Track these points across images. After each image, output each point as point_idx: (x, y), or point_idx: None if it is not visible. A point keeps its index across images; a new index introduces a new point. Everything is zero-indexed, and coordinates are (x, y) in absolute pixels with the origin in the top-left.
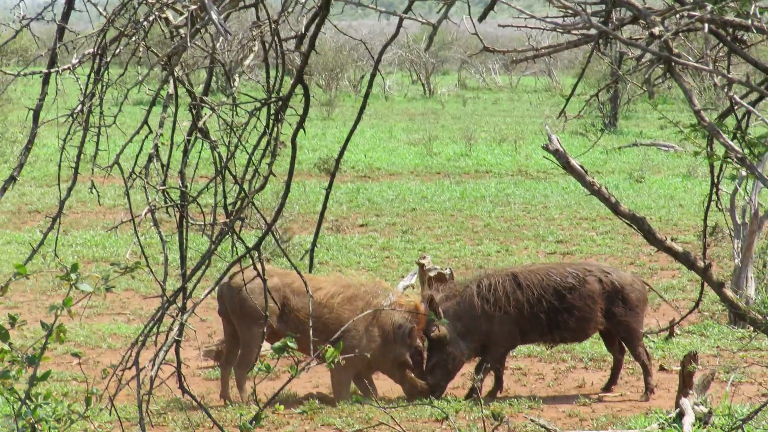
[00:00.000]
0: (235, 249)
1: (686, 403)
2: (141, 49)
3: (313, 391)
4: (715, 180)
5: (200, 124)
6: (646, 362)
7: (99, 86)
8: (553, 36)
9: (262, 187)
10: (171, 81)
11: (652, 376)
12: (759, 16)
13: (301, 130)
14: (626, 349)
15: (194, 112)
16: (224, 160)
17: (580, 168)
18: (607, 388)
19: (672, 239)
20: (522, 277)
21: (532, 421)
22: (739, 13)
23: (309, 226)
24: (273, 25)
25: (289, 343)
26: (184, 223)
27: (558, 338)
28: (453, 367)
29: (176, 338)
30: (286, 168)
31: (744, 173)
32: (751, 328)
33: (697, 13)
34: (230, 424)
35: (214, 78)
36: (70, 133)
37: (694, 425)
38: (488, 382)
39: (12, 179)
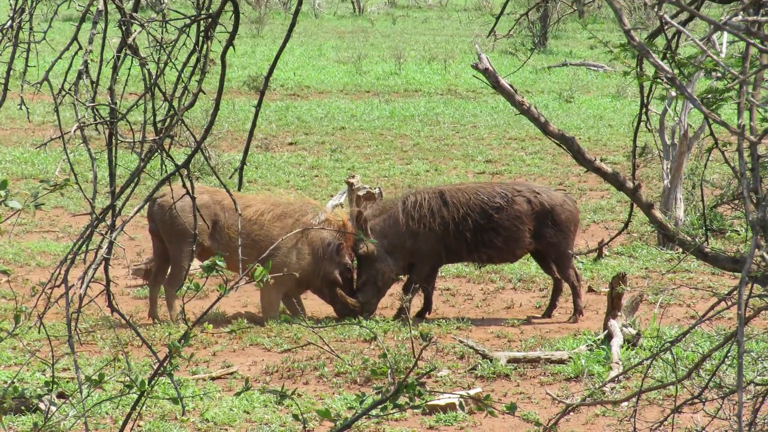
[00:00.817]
0: (164, 166)
1: (615, 324)
2: None
3: (242, 310)
4: (645, 100)
5: (130, 40)
6: (575, 284)
7: (29, 2)
8: None
9: (192, 104)
10: None
11: (581, 298)
12: None
13: (231, 48)
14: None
15: (124, 28)
16: (154, 77)
17: (509, 87)
18: (548, 313)
19: (601, 160)
20: (448, 195)
21: (460, 341)
22: None
23: (238, 144)
24: None
25: (218, 262)
26: (114, 141)
27: (485, 257)
28: (383, 284)
29: (105, 256)
30: (215, 85)
31: (673, 93)
32: (680, 250)
33: None
34: (159, 343)
35: None
36: None
37: (622, 347)
38: (417, 303)
39: None
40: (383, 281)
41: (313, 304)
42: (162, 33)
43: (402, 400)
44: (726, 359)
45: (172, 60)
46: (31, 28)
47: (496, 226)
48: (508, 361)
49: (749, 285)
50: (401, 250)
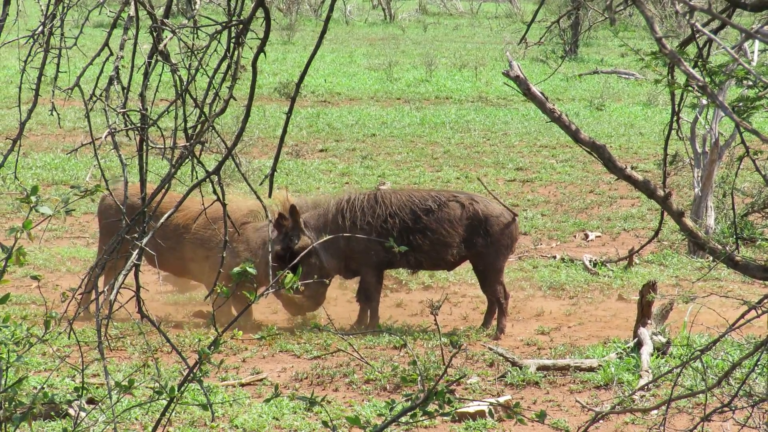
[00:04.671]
0: (195, 173)
1: (645, 332)
2: None
3: (272, 316)
4: (676, 108)
5: (161, 46)
6: (502, 301)
7: (60, 8)
8: None
9: (223, 110)
10: (132, 3)
11: (506, 317)
12: None
13: (262, 54)
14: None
15: (155, 34)
16: (185, 83)
17: (540, 95)
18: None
19: (632, 167)
20: (380, 196)
21: (490, 349)
22: None
23: (269, 150)
24: None
25: (248, 269)
26: (144, 147)
27: (413, 261)
28: (320, 278)
29: (135, 262)
30: (246, 92)
31: (705, 102)
32: (710, 258)
33: None
34: (188, 349)
35: (175, 0)
36: (31, 55)
37: (652, 355)
38: (445, 309)
39: None
40: (320, 275)
41: (341, 310)
42: (193, 39)
43: (432, 407)
44: (756, 368)
45: (203, 66)
46: (62, 34)
47: (423, 228)
48: (538, 369)
49: None
50: (336, 247)
